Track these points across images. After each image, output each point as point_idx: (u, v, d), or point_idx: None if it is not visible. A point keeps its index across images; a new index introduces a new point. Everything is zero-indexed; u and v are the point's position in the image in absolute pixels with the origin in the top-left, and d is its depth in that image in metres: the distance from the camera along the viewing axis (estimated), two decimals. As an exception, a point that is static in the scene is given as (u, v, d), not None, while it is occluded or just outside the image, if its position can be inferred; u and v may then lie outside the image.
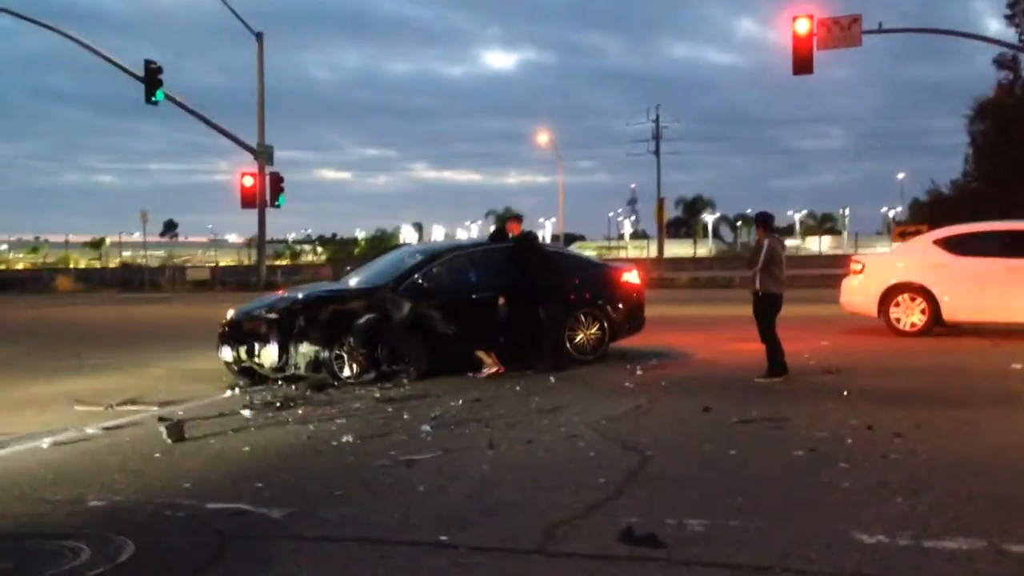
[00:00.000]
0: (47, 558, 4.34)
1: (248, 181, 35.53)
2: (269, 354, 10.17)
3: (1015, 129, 34.19)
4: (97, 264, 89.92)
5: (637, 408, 8.37)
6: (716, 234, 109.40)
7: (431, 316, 10.63)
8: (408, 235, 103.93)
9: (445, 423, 7.78)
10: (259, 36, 35.78)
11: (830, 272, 27.07)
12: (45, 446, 7.09)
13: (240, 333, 10.49)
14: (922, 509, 4.95)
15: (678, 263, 45.09)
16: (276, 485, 5.72)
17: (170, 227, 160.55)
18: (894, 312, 13.56)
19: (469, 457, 6.44)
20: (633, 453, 6.47)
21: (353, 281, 11.69)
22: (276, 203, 35.94)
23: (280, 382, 10.11)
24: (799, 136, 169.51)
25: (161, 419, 7.78)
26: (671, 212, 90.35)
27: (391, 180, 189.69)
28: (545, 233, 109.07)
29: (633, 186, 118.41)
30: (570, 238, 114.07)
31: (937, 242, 13.65)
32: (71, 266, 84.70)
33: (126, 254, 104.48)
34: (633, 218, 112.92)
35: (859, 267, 14.25)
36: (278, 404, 8.77)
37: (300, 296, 10.77)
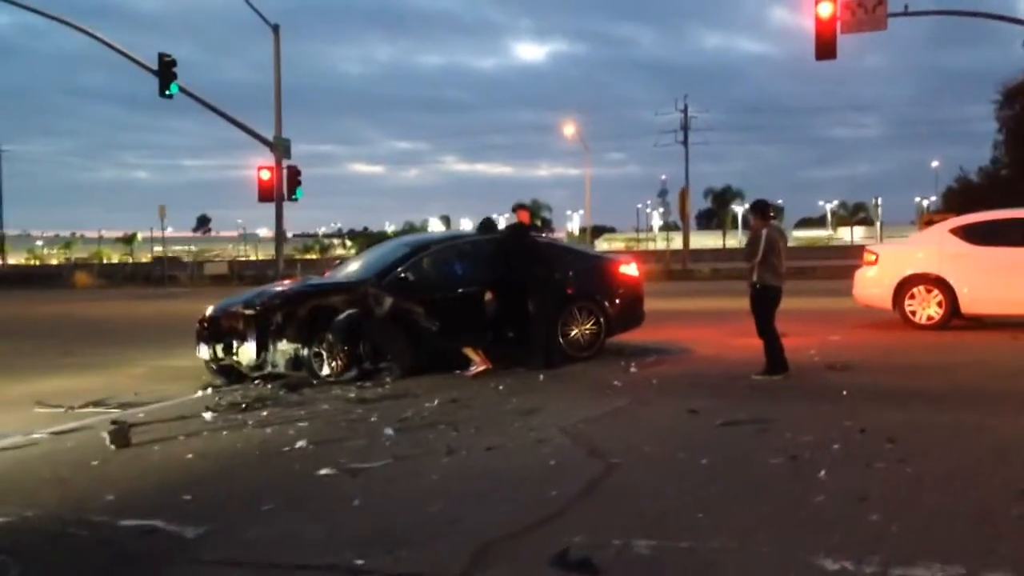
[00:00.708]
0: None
1: (265, 175, 35.28)
2: (247, 352, 9.81)
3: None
4: (129, 259, 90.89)
5: (619, 410, 7.90)
6: (746, 224, 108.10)
7: (414, 311, 10.20)
8: (436, 228, 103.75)
9: (412, 426, 7.36)
10: (276, 28, 35.49)
11: (849, 264, 26.32)
12: (-15, 452, 6.77)
13: (218, 330, 10.14)
14: (898, 528, 4.44)
15: (702, 254, 44.36)
16: (205, 498, 5.33)
17: (203, 222, 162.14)
18: (909, 305, 12.91)
19: (422, 465, 6.01)
20: (598, 461, 6.01)
21: (339, 275, 11.30)
22: (293, 196, 35.67)
23: (258, 381, 9.75)
24: (832, 125, 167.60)
25: (115, 423, 7.43)
26: (700, 203, 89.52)
27: (423, 173, 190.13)
28: (573, 225, 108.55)
29: (664, 177, 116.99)
30: (600, 230, 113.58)
31: (954, 231, 12.97)
32: (104, 261, 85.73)
33: (157, 249, 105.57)
34: (662, 210, 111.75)
35: (873, 258, 13.59)
36: (244, 406, 8.40)
37: (279, 291, 10.40)
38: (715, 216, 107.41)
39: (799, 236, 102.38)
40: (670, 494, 5.23)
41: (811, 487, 5.23)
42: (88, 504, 5.25)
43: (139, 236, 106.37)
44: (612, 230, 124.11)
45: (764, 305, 9.54)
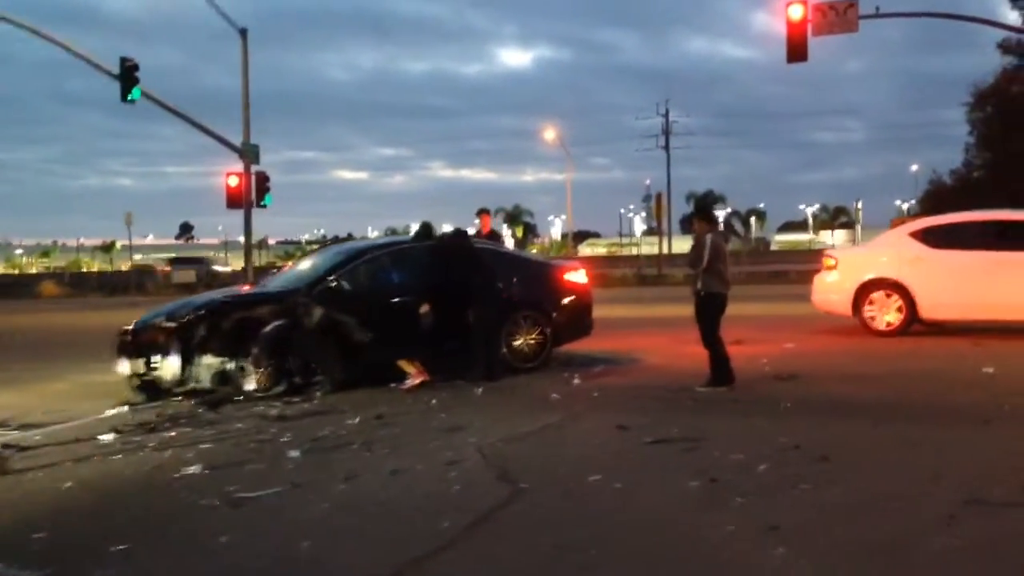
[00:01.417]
0: None
1: (233, 181, 34.74)
2: (169, 367, 9.33)
3: (1019, 115, 32.81)
4: (109, 268, 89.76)
5: (548, 427, 7.47)
6: (731, 229, 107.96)
7: (347, 322, 9.74)
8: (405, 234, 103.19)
9: (323, 447, 6.91)
10: (243, 32, 35.00)
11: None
12: None
13: (139, 344, 9.66)
14: (802, 566, 4.03)
15: (679, 259, 43.97)
16: (59, 535, 4.85)
17: (186, 229, 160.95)
18: (869, 310, 12.53)
19: (315, 493, 5.55)
20: (505, 486, 5.57)
21: (272, 285, 10.83)
22: (262, 203, 35.17)
23: (179, 398, 9.26)
24: (815, 129, 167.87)
25: (6, 446, 6.95)
26: (683, 208, 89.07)
27: (408, 179, 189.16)
28: (556, 231, 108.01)
29: (648, 182, 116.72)
30: (584, 235, 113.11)
31: (913, 234, 12.60)
32: (84, 270, 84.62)
33: (137, 257, 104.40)
34: (645, 214, 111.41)
35: (832, 262, 13.20)
36: (153, 426, 7.91)
37: (202, 302, 9.92)
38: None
39: (781, 240, 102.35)
40: (570, 525, 4.80)
41: (723, 515, 4.82)
42: (-71, 543, 4.78)
43: (118, 244, 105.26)
44: (597, 235, 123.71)
45: (709, 313, 9.14)
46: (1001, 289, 11.57)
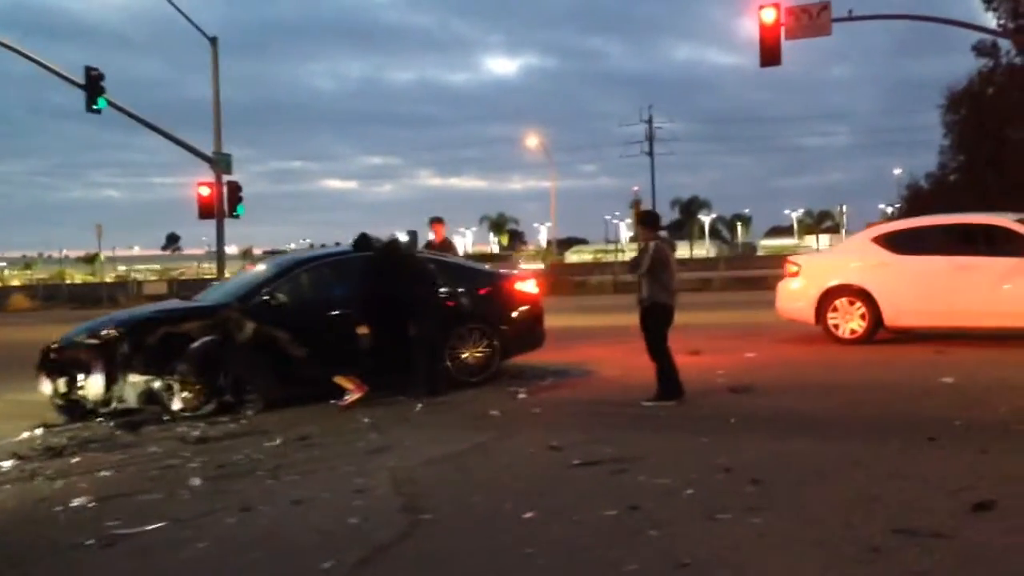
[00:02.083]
0: None
1: (205, 191, 34.27)
2: (93, 385, 8.89)
3: (993, 118, 32.58)
4: (92, 278, 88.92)
5: (476, 447, 7.05)
6: (717, 235, 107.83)
7: (280, 337, 9.30)
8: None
9: (230, 473, 6.48)
10: (213, 41, 34.58)
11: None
12: None
13: (63, 362, 9.21)
14: (700, 612, 3.63)
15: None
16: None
17: (172, 240, 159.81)
18: (832, 318, 12.13)
19: (199, 528, 5.12)
20: (407, 517, 5.15)
21: (206, 298, 10.38)
22: (234, 213, 34.68)
23: (101, 419, 8.81)
24: (802, 134, 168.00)
25: None
26: (669, 214, 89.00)
27: (397, 188, 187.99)
28: (542, 237, 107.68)
29: (635, 188, 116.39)
30: (570, 241, 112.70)
31: (876, 239, 12.21)
32: (67, 281, 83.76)
33: (122, 268, 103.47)
34: (630, 220, 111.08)
35: (795, 269, 12.81)
36: (60, 451, 7.46)
37: (124, 318, 9.48)
38: (684, 226, 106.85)
39: (767, 245, 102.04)
40: (466, 561, 4.39)
41: (632, 549, 4.41)
42: None
43: (101, 256, 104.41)
44: (584, 241, 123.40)
45: (653, 323, 8.75)
46: (965, 296, 11.18)
